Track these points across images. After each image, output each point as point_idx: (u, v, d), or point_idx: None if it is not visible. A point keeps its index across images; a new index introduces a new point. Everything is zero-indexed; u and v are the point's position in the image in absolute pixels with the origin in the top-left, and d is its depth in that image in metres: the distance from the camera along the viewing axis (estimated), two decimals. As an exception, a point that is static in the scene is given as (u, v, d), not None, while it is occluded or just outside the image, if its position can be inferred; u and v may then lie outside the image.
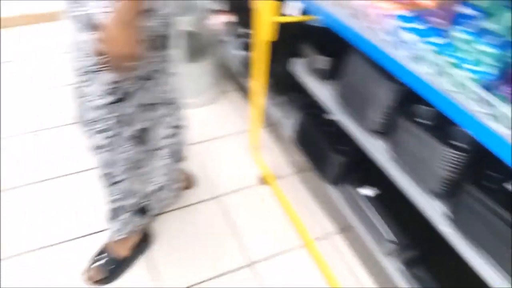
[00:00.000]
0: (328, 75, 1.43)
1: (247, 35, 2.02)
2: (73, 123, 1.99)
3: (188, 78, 2.06)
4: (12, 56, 2.57)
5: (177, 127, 1.46)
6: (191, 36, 2.03)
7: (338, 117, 1.35)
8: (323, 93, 1.42)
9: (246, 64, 1.98)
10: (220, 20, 2.21)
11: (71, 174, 1.82)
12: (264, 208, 1.74)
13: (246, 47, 1.99)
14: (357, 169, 1.41)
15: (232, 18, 2.19)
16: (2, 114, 2.10)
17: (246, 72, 2.00)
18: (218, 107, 2.24)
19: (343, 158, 1.40)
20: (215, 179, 1.84)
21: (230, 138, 2.06)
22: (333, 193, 1.48)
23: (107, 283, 1.44)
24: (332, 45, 1.41)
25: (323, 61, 1.43)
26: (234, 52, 2.11)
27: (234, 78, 2.34)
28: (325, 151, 1.44)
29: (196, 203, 1.73)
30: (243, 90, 2.30)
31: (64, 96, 2.20)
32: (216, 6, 2.22)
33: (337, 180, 1.46)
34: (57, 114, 2.13)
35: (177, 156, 1.53)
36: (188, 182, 1.75)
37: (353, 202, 1.40)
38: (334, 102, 1.38)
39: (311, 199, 1.78)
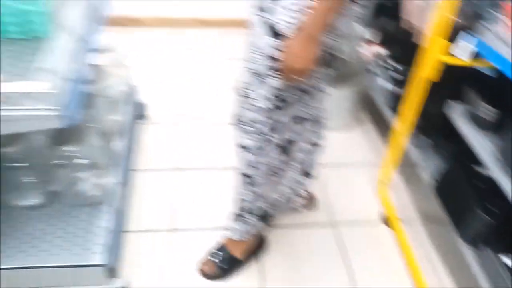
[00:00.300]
0: (491, 127, 1.32)
1: (398, 70, 1.97)
2: (224, 123, 2.13)
3: (329, 101, 2.07)
4: (182, 54, 2.80)
5: (315, 144, 1.48)
6: (340, 61, 2.05)
7: (493, 173, 1.23)
8: (481, 144, 1.31)
9: (391, 98, 1.93)
10: (371, 50, 2.20)
11: (210, 168, 1.94)
12: (381, 248, 1.65)
13: (396, 81, 1.94)
14: (504, 234, 1.27)
15: (384, 50, 2.16)
16: (161, 101, 2.32)
17: (389, 106, 1.95)
18: (351, 134, 2.22)
19: (490, 220, 1.27)
20: (335, 205, 1.81)
21: (358, 168, 2.01)
22: (468, 253, 1.35)
23: (216, 279, 1.49)
24: (501, 95, 1.30)
25: (488, 111, 1.32)
26: (380, 84, 2.07)
27: (373, 109, 2.30)
28: (470, 207, 1.32)
29: (313, 224, 1.72)
30: (380, 123, 2.24)
31: (224, 97, 2.34)
32: (369, 35, 2.22)
33: (476, 241, 1.33)
34: (213, 112, 2.28)
35: (306, 172, 1.54)
36: (309, 202, 1.75)
37: (491, 268, 1.26)
38: (492, 156, 1.26)
39: (435, 252, 1.64)
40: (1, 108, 0.86)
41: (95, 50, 1.21)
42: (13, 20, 1.03)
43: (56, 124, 0.88)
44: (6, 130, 0.89)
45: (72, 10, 1.18)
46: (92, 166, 1.43)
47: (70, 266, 1.31)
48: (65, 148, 1.35)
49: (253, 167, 1.28)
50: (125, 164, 1.70)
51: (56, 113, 0.87)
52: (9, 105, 0.86)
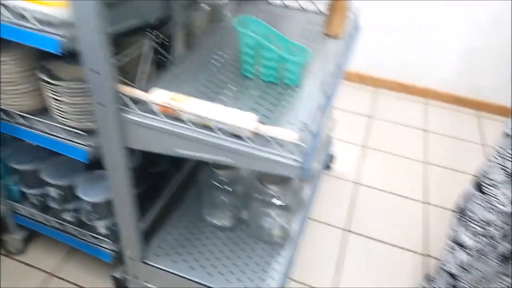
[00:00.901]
0: None
1: None
2: (416, 201, 2.03)
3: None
4: (394, 120, 2.67)
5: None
6: None
7: None
8: None
9: None
10: None
11: (386, 243, 1.82)
12: None
13: None
14: None
15: None
16: (352, 159, 2.28)
17: None
18: None
19: None
20: None
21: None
22: None
23: None
24: None
25: None
26: None
27: None
28: None
29: None
30: None
31: (424, 175, 2.23)
32: None
33: None
34: (406, 186, 2.14)
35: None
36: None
37: None
38: None
39: None
40: (252, 145, 0.91)
41: (333, 105, 1.23)
42: (272, 65, 1.11)
43: (294, 174, 0.89)
44: (248, 165, 0.94)
45: (322, 64, 1.23)
46: (283, 208, 1.45)
47: (238, 298, 1.32)
48: (268, 185, 1.39)
49: (464, 269, 1.13)
50: (305, 211, 1.69)
51: (297, 164, 0.88)
52: (258, 145, 0.91)
